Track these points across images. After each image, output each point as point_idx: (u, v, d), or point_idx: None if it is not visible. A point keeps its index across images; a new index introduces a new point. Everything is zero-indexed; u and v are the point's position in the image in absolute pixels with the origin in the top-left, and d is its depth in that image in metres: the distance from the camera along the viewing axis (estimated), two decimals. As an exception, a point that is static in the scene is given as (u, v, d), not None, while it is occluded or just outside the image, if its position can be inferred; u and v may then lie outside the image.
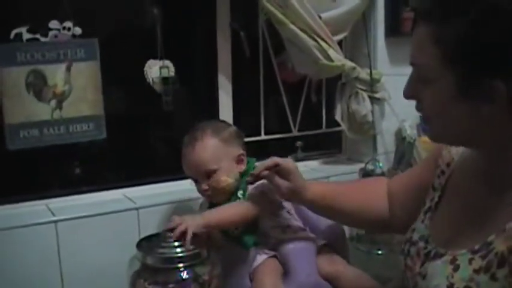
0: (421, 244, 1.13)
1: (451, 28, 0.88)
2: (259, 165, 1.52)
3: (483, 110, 0.89)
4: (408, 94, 1.05)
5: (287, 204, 1.77)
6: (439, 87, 0.94)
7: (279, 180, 1.46)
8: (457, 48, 0.88)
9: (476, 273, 0.92)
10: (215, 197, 1.70)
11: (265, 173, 1.47)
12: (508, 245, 0.88)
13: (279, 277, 1.61)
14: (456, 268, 0.97)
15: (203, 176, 1.68)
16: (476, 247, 0.95)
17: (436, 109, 0.98)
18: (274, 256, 1.65)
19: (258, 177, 1.50)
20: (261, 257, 1.65)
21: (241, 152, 1.75)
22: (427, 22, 0.92)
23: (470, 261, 0.95)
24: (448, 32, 0.88)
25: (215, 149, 1.69)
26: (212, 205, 1.72)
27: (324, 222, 1.83)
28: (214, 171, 1.67)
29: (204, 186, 1.69)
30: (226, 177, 1.68)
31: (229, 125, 1.83)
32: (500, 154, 0.98)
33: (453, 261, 0.99)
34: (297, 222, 1.77)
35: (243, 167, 1.73)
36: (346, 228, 2.24)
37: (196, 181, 1.72)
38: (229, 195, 1.70)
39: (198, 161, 1.68)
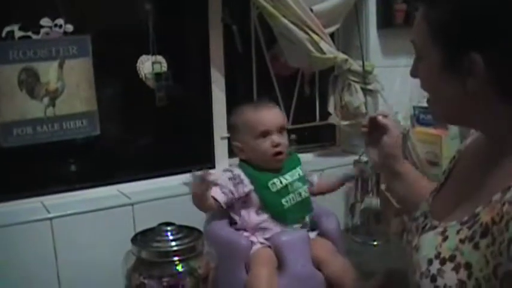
0: (421, 219, 1.17)
1: (437, 7, 0.97)
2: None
3: (468, 85, 0.94)
4: (411, 73, 1.11)
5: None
6: (429, 63, 1.01)
7: (386, 139, 1.44)
8: (440, 24, 0.96)
9: (461, 243, 0.96)
10: (280, 158, 1.75)
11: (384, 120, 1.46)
12: (492, 215, 0.91)
13: (273, 268, 1.62)
14: (445, 238, 1.01)
15: (279, 128, 1.76)
16: (465, 218, 0.98)
17: (428, 85, 1.06)
18: (269, 247, 1.67)
19: (374, 121, 1.47)
20: (255, 247, 1.66)
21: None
22: (422, 3, 1.02)
23: (458, 231, 0.98)
24: (434, 11, 0.97)
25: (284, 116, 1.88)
26: (254, 168, 1.76)
27: (319, 213, 1.84)
28: (285, 129, 1.80)
29: (278, 139, 1.73)
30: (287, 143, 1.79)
31: None
32: (493, 133, 1.02)
33: (443, 232, 1.03)
34: None
35: None
36: (341, 220, 2.26)
37: (265, 134, 1.74)
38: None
39: (279, 114, 1.80)
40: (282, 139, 1.75)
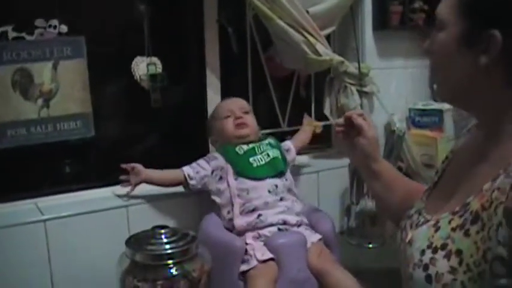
0: (415, 216, 1.19)
1: None
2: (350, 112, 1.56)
3: (481, 61, 0.98)
4: (427, 47, 1.14)
5: (287, 202, 1.79)
6: (449, 32, 1.05)
7: (361, 140, 1.48)
8: (472, 2, 1.00)
9: (453, 231, 0.99)
10: (245, 128, 1.97)
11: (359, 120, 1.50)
12: (482, 202, 0.94)
13: (273, 282, 1.61)
14: (437, 229, 1.04)
15: (241, 110, 2.00)
16: (456, 209, 1.02)
17: (442, 57, 1.08)
18: (270, 259, 1.65)
19: (349, 120, 1.51)
20: (253, 262, 1.65)
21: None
22: None
23: (450, 221, 1.02)
24: None
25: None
26: (224, 144, 1.97)
27: (314, 216, 1.84)
28: (248, 112, 2.02)
29: (240, 114, 1.98)
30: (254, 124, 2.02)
31: None
32: (488, 120, 1.06)
33: (436, 224, 1.06)
34: (293, 217, 1.79)
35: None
36: (337, 222, 2.26)
37: (228, 116, 1.98)
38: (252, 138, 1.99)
39: (239, 102, 2.05)
40: (245, 116, 1.98)
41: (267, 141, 1.99)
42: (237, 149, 1.91)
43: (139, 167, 1.87)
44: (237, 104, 2.01)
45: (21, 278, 1.72)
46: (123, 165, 1.87)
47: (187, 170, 1.89)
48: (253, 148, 1.92)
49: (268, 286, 1.58)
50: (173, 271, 1.49)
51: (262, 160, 1.89)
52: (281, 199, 1.82)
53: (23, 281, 1.72)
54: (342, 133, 1.54)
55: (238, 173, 1.85)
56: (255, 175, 1.84)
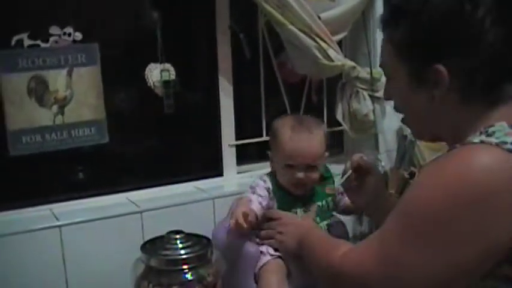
0: None
1: (399, 29, 1.06)
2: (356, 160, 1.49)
3: (435, 96, 1.02)
4: (384, 95, 1.23)
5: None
6: (398, 80, 1.09)
7: (371, 179, 1.45)
8: (403, 44, 1.05)
9: None
10: (303, 189, 1.71)
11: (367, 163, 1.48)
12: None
13: (284, 277, 1.61)
14: None
15: (306, 166, 1.67)
16: None
17: (400, 103, 1.14)
18: (279, 257, 1.66)
19: (358, 166, 1.46)
20: (265, 258, 1.65)
21: (327, 153, 1.77)
22: (386, 29, 1.12)
23: None
24: (396, 33, 1.06)
25: (323, 144, 1.72)
26: (280, 189, 1.71)
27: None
28: (316, 166, 1.69)
29: (302, 176, 1.66)
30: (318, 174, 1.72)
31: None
32: (455, 137, 1.05)
33: None
34: None
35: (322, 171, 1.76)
36: (349, 227, 2.25)
37: (291, 167, 1.68)
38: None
39: (310, 150, 1.67)
40: (307, 174, 1.68)
41: (322, 203, 1.75)
42: (292, 211, 1.70)
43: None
44: (306, 159, 1.66)
45: (36, 283, 1.74)
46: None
47: (258, 210, 1.63)
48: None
49: (281, 282, 1.59)
50: (188, 276, 1.50)
51: None
52: None
53: (39, 286, 1.74)
54: (352, 179, 1.48)
55: None
56: None
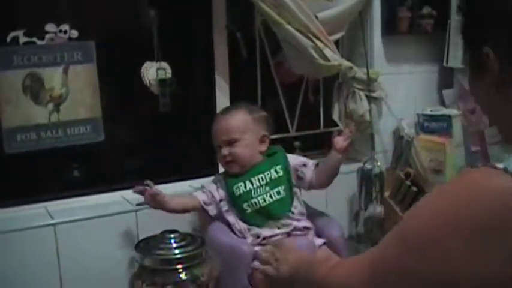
0: None
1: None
2: None
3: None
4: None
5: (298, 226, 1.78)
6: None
7: None
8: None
9: None
10: (233, 166, 1.76)
11: None
12: None
13: None
14: None
15: (225, 142, 1.76)
16: None
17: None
18: None
19: None
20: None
21: (266, 133, 1.81)
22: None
23: None
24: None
25: (243, 122, 1.78)
26: (228, 174, 1.78)
27: (322, 221, 1.83)
28: (236, 140, 1.75)
29: (224, 152, 1.75)
30: (245, 149, 1.76)
31: (263, 110, 1.89)
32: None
33: None
34: (303, 223, 1.78)
35: (264, 148, 1.80)
36: (345, 227, 2.25)
37: (218, 148, 1.79)
38: (245, 168, 1.76)
39: (225, 127, 1.77)
40: (231, 150, 1.75)
41: (268, 177, 1.77)
42: (234, 188, 1.75)
43: (155, 191, 1.69)
44: (223, 131, 1.77)
45: (30, 281, 1.73)
46: (138, 187, 1.71)
47: (201, 196, 1.76)
48: (250, 191, 1.74)
49: None
50: (182, 276, 1.50)
51: (256, 205, 1.73)
52: (293, 229, 1.77)
53: (33, 284, 1.73)
54: None
55: (238, 217, 1.74)
56: (250, 222, 1.73)
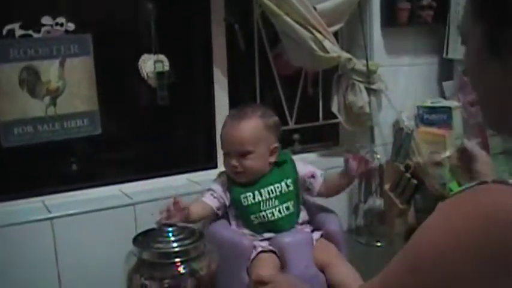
0: None
1: None
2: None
3: (508, 65, 0.87)
4: (463, 71, 1.09)
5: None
6: (472, 42, 0.95)
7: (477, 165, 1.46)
8: (481, 3, 0.92)
9: None
10: (241, 177, 1.73)
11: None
12: None
13: (276, 270, 1.60)
14: None
15: (237, 153, 1.71)
16: None
17: (472, 69, 0.97)
18: (271, 251, 1.65)
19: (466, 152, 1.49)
20: (256, 251, 1.65)
21: (277, 144, 1.77)
22: None
23: None
24: None
25: (256, 131, 1.72)
26: (232, 181, 1.75)
27: (322, 214, 1.83)
28: (249, 153, 1.70)
29: (235, 163, 1.71)
30: (256, 162, 1.72)
31: (274, 114, 1.84)
32: None
33: None
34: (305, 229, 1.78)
35: (274, 159, 1.76)
36: (345, 220, 2.25)
37: (226, 155, 1.75)
38: (253, 178, 1.73)
39: (238, 137, 1.71)
40: (241, 162, 1.71)
41: (278, 191, 1.74)
42: (242, 197, 1.72)
43: (184, 205, 1.63)
44: (235, 141, 1.71)
45: (28, 275, 1.72)
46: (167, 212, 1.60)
47: (214, 203, 1.73)
48: (259, 203, 1.72)
49: (271, 271, 1.57)
50: (180, 269, 1.48)
51: (264, 218, 1.72)
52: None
53: (30, 278, 1.72)
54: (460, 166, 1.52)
55: (243, 225, 1.74)
56: (254, 230, 1.73)
